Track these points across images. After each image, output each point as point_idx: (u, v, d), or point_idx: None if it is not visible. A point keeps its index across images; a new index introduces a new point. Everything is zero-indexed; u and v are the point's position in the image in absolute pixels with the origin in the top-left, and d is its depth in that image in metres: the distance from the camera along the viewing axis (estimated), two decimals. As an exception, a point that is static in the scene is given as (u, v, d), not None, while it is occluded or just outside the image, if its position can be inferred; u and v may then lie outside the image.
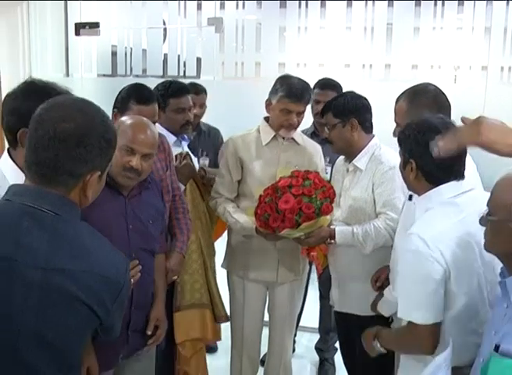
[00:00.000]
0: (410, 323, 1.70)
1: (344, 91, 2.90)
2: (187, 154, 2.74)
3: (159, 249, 2.17)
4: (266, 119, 2.65)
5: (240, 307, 2.75)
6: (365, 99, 2.46)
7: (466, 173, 1.78)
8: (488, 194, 1.71)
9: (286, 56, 4.12)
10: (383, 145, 2.45)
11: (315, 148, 2.74)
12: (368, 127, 2.45)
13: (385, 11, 3.88)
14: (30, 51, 4.59)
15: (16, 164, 1.56)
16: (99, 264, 1.23)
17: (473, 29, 3.71)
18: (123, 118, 2.01)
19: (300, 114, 2.55)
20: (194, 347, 2.61)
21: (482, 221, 1.50)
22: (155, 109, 2.34)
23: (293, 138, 2.63)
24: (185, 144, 2.83)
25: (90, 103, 1.29)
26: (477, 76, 3.74)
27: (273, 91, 2.56)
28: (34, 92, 1.53)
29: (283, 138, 2.61)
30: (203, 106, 3.44)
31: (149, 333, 2.09)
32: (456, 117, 1.77)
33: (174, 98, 2.64)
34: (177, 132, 2.72)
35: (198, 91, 3.40)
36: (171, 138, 2.66)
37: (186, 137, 2.86)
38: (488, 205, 1.49)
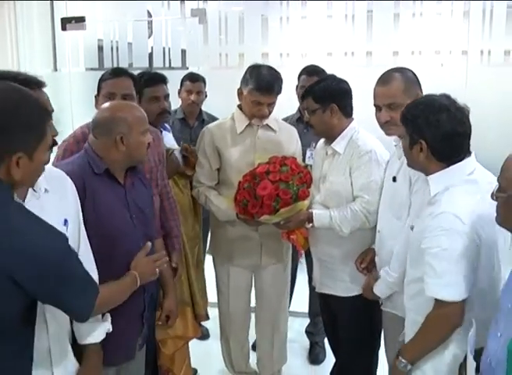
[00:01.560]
0: (439, 301, 1.69)
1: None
2: (173, 150, 2.72)
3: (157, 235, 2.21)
4: (240, 106, 2.66)
5: (226, 291, 2.80)
6: (346, 83, 2.45)
7: None
8: (486, 172, 1.77)
9: (269, 47, 4.14)
10: (362, 129, 2.46)
11: (290, 133, 2.76)
12: (348, 112, 2.44)
13: (365, -2, 3.89)
14: (17, 47, 4.59)
15: None
16: (29, 244, 1.21)
17: (452, 13, 3.72)
18: (110, 112, 1.93)
19: (271, 104, 2.57)
20: (176, 345, 2.57)
21: (494, 196, 1.50)
22: (127, 82, 2.30)
23: (267, 124, 2.65)
24: (166, 134, 2.77)
25: (7, 84, 1.27)
26: (457, 61, 3.77)
27: (243, 81, 2.56)
28: None
29: (258, 125, 2.63)
30: (200, 94, 3.52)
31: (159, 323, 2.13)
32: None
33: (148, 87, 2.61)
34: (155, 122, 2.64)
35: (194, 78, 3.49)
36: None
37: (167, 126, 2.85)
38: (498, 181, 1.49)
